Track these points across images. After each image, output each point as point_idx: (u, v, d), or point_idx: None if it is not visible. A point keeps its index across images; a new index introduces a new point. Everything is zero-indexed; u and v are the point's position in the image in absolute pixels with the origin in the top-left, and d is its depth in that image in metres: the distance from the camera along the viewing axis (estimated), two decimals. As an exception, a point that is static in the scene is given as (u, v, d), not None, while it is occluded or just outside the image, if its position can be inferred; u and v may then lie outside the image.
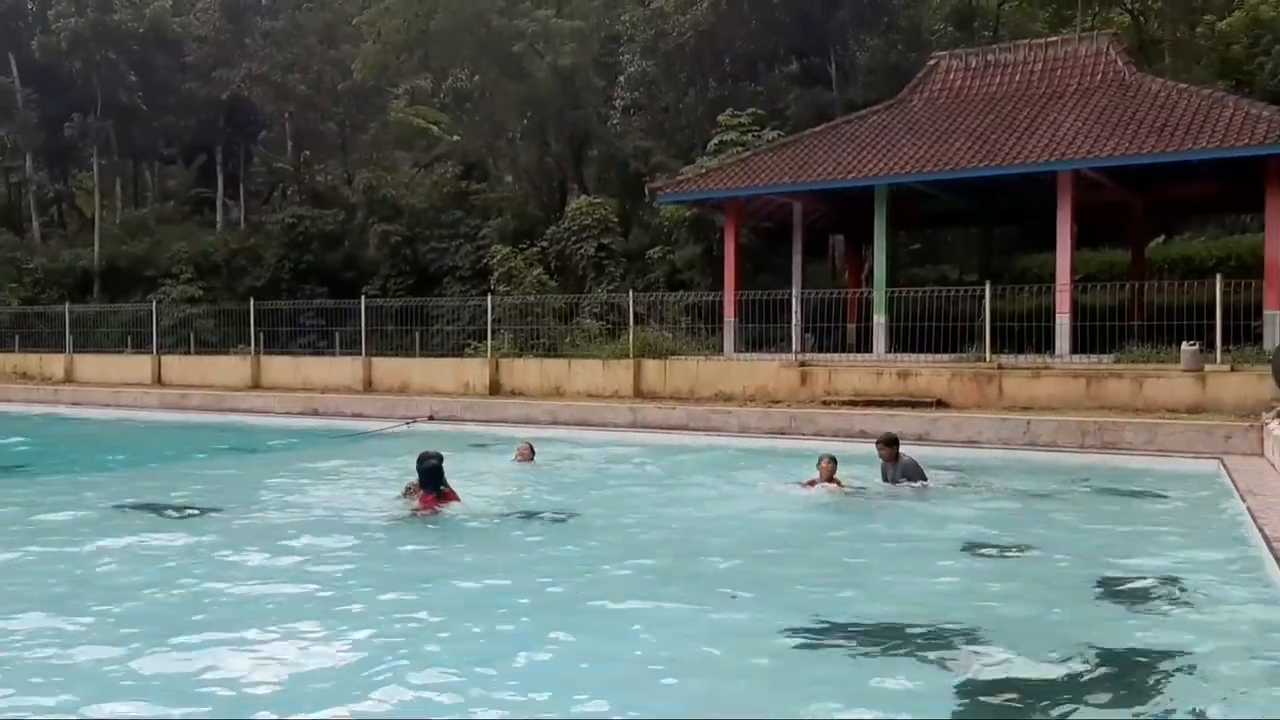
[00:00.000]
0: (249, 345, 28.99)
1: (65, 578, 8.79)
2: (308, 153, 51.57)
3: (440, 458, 11.65)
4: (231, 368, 28.52)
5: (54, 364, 32.12)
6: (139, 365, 30.28)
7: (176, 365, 29.81)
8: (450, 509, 11.43)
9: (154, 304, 32.40)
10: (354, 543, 10.16)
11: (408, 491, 11.97)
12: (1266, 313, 19.97)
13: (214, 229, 48.92)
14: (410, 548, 10.18)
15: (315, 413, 23.89)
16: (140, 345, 32.06)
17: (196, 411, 25.36)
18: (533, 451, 15.80)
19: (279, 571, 8.98)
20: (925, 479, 13.20)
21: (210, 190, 52.58)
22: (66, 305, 33.59)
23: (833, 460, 13.01)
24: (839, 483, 12.85)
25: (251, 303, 29.80)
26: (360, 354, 26.53)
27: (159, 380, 29.38)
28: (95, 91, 44.98)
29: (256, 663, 6.38)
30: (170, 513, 12.07)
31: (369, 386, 25.74)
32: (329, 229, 42.56)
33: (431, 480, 11.41)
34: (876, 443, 13.45)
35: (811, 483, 12.86)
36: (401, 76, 46.86)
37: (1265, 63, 30.25)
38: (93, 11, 43.81)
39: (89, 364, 31.58)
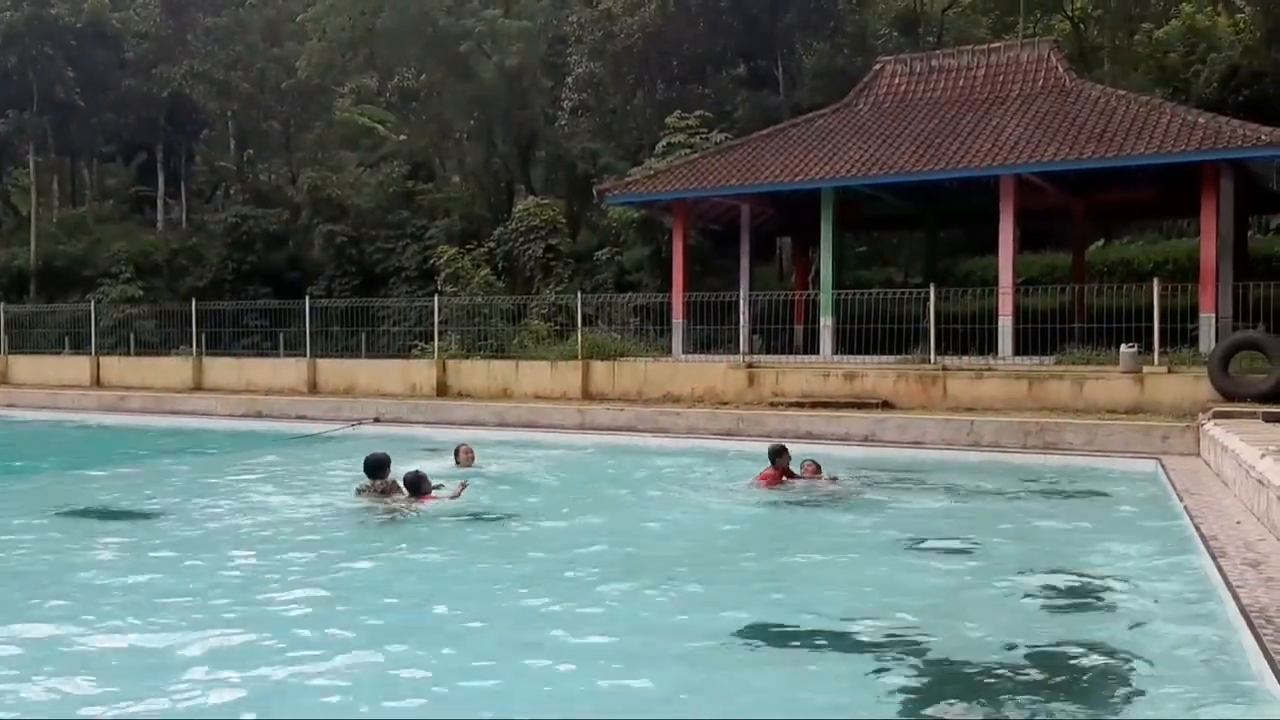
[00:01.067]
0: (191, 346, 28.54)
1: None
2: (251, 152, 50.87)
3: (389, 463, 11.92)
4: (173, 369, 28.07)
5: (-12, 366, 31.45)
6: (77, 366, 29.72)
7: (116, 366, 29.28)
8: (427, 507, 11.50)
9: (93, 304, 31.83)
10: (310, 545, 10.06)
11: (359, 493, 12.00)
12: (1202, 315, 20.36)
13: (155, 228, 48.10)
14: (367, 550, 10.09)
15: (259, 415, 23.56)
16: (79, 346, 31.48)
17: (136, 414, 24.88)
18: (473, 456, 15.80)
19: (230, 574, 8.86)
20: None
21: (151, 189, 51.62)
22: (2, 305, 32.87)
23: (784, 451, 13.10)
24: (785, 474, 12.96)
25: (193, 303, 29.38)
26: (305, 355, 26.24)
27: (98, 382, 28.86)
28: (31, 87, 43.91)
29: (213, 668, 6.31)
30: (111, 518, 11.86)
31: (314, 388, 25.45)
32: (273, 229, 41.99)
33: (414, 489, 11.66)
34: (803, 464, 13.45)
35: (772, 477, 12.89)
36: (347, 75, 46.35)
37: (1201, 70, 30.89)
38: (29, 5, 42.78)
39: (25, 365, 30.93)
